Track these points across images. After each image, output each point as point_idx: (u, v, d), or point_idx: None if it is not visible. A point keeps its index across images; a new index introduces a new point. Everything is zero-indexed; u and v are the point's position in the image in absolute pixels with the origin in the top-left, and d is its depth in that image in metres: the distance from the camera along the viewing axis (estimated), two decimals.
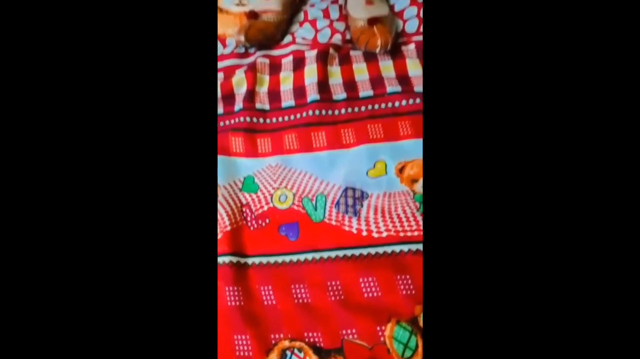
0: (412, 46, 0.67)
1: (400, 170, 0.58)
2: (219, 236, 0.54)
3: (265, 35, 0.66)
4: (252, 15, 0.68)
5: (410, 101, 0.62)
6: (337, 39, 0.68)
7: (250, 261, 0.54)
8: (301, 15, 0.71)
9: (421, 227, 0.53)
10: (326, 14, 0.71)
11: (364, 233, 0.54)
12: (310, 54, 0.66)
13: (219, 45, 0.70)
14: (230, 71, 0.67)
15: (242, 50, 0.68)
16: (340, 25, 0.70)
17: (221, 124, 0.63)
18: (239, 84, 0.65)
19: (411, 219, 0.54)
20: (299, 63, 0.66)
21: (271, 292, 0.51)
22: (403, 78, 0.64)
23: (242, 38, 0.65)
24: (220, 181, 0.58)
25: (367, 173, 0.58)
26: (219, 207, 0.57)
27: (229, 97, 0.65)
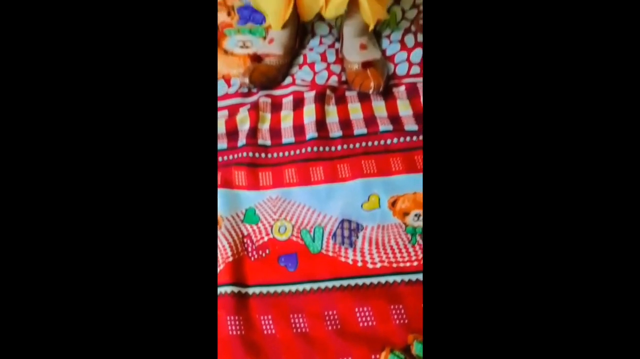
0: (402, 88, 0.73)
1: (393, 203, 0.62)
2: (222, 266, 0.57)
3: (267, 78, 0.72)
4: (256, 58, 0.74)
5: (401, 139, 0.67)
6: (333, 80, 0.74)
7: (250, 291, 0.56)
8: (301, 58, 0.77)
9: (413, 258, 0.57)
10: (324, 57, 0.77)
11: (360, 264, 0.57)
12: (309, 95, 0.72)
13: (224, 85, 0.75)
14: (234, 109, 0.72)
15: (246, 90, 0.73)
16: (336, 68, 0.76)
17: (225, 158, 0.67)
18: (243, 121, 0.70)
19: (403, 250, 0.57)
20: (298, 103, 0.71)
21: (271, 321, 0.53)
22: (394, 118, 0.69)
23: (247, 80, 0.70)
24: (224, 213, 0.62)
25: (362, 206, 0.62)
26: (222, 238, 0.59)
27: (233, 134, 0.69)
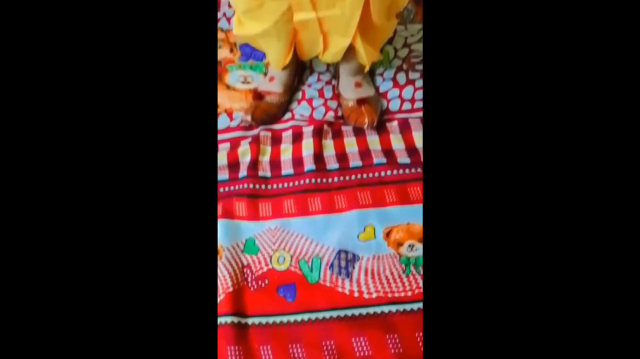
0: (395, 123, 0.77)
1: (387, 234, 0.64)
2: (222, 296, 0.59)
3: (268, 115, 0.76)
4: (257, 96, 0.78)
5: (395, 172, 0.70)
6: (330, 116, 0.78)
7: (250, 321, 0.57)
8: (299, 94, 0.82)
9: (407, 288, 0.59)
10: (321, 93, 0.81)
11: (356, 294, 0.59)
12: (308, 129, 0.75)
13: (227, 118, 0.79)
14: (236, 142, 0.75)
15: (247, 124, 0.77)
16: (333, 104, 0.80)
17: (227, 189, 0.70)
18: (244, 153, 0.73)
19: (398, 280, 0.60)
20: (297, 137, 0.75)
21: (270, 352, 0.55)
22: (388, 151, 0.73)
23: (249, 118, 0.75)
24: (225, 243, 0.64)
25: (358, 236, 0.64)
26: (223, 268, 0.61)
27: (235, 165, 0.72)
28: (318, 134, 0.74)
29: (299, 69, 0.83)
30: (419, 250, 0.62)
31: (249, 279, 0.61)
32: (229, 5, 0.92)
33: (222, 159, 0.73)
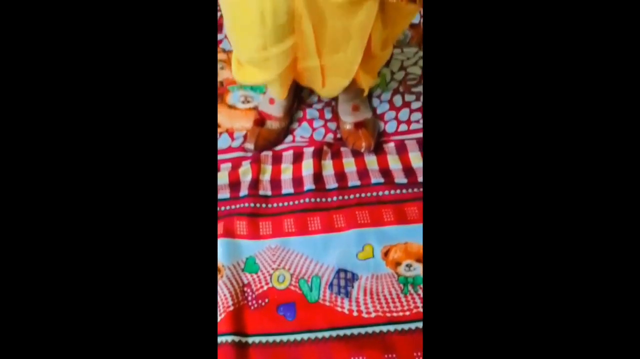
0: (391, 144, 0.79)
1: (386, 253, 0.66)
2: (223, 315, 0.59)
3: (270, 142, 0.78)
4: (259, 122, 0.78)
5: (392, 191, 0.72)
6: (329, 137, 0.81)
7: (250, 340, 0.58)
8: (300, 113, 0.84)
9: (405, 308, 0.60)
10: (321, 114, 0.84)
11: (355, 314, 0.60)
12: (308, 150, 0.78)
13: (228, 138, 0.81)
14: (237, 162, 0.77)
15: (251, 152, 0.78)
16: (332, 125, 0.82)
17: (228, 207, 0.71)
18: (245, 173, 0.75)
19: (396, 300, 0.61)
20: (297, 157, 0.77)
21: None
22: (385, 171, 0.75)
23: (252, 146, 0.76)
24: (225, 262, 0.65)
25: (357, 256, 0.66)
26: (223, 287, 0.62)
27: (236, 185, 0.74)
28: (318, 155, 0.76)
29: (298, 90, 0.85)
30: (416, 270, 0.64)
31: (249, 298, 0.62)
32: None
33: (223, 178, 0.75)
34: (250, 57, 0.65)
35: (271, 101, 0.80)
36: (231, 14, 0.61)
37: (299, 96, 0.86)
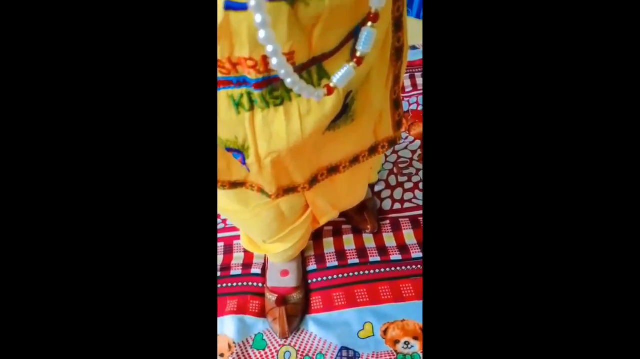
0: (387, 222, 0.88)
1: (385, 331, 0.71)
2: None
3: (298, 318, 0.72)
4: (281, 302, 0.72)
5: (388, 269, 0.79)
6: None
7: None
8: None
9: None
10: None
11: None
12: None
13: None
14: None
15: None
16: None
17: (242, 284, 0.77)
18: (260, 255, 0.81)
19: None
20: None
21: None
22: (381, 248, 0.83)
23: (284, 333, 0.70)
24: (236, 339, 0.69)
25: (358, 334, 0.70)
26: None
27: (249, 264, 0.80)
28: (320, 235, 0.84)
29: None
30: (414, 347, 0.69)
31: None
32: None
33: (238, 259, 0.80)
34: (268, 237, 0.61)
35: (285, 273, 0.74)
36: (245, 226, 0.62)
37: None
